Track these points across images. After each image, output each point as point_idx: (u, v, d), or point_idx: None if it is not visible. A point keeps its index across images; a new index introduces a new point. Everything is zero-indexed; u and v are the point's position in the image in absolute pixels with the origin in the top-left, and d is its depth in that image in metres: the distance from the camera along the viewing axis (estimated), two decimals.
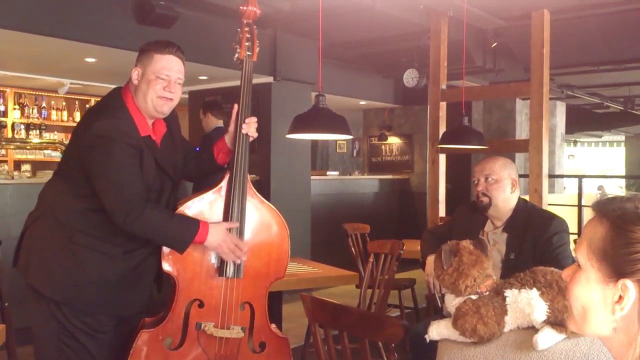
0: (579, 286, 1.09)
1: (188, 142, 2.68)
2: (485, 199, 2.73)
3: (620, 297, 1.03)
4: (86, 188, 2.24)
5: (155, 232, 2.27)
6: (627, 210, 1.06)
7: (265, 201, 2.52)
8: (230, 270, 2.38)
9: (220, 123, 5.33)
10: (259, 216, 2.48)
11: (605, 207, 1.09)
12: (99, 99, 2.48)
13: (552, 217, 2.72)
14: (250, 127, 2.47)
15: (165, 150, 2.39)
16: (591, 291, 1.07)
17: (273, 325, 2.53)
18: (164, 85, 2.28)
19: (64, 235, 2.25)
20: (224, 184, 2.43)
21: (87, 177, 2.22)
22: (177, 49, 2.33)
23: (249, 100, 2.50)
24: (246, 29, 2.51)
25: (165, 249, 2.34)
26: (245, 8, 2.51)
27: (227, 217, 2.40)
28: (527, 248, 2.64)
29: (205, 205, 2.40)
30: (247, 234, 2.45)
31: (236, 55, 2.51)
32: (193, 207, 2.39)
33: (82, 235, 2.25)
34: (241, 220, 2.41)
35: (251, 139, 2.49)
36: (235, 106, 2.49)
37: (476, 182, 2.76)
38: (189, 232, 2.27)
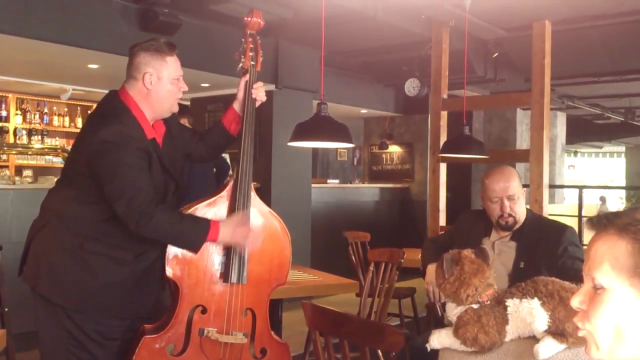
0: (609, 307, 1.05)
1: (189, 129, 2.68)
2: (511, 220, 2.68)
3: None
4: (94, 195, 2.21)
5: (168, 235, 2.26)
6: None
7: (267, 207, 2.54)
8: (234, 275, 2.39)
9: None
10: (262, 222, 2.50)
11: (617, 223, 1.07)
12: (97, 104, 2.47)
13: (564, 227, 2.71)
14: (259, 92, 2.52)
15: (166, 150, 2.38)
16: (628, 309, 1.04)
17: (272, 332, 2.53)
18: (180, 86, 2.34)
19: (74, 243, 2.22)
20: (227, 190, 2.45)
21: (96, 183, 2.20)
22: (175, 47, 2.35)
23: (253, 110, 2.53)
24: (250, 39, 2.53)
25: (169, 255, 2.33)
26: (249, 19, 2.53)
27: None
28: (539, 257, 2.60)
29: (210, 211, 2.42)
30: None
31: (240, 65, 2.54)
32: (197, 212, 2.40)
33: (94, 243, 2.23)
34: None
35: (259, 103, 2.54)
36: (244, 79, 2.54)
37: (497, 201, 2.68)
38: (201, 232, 2.27)
